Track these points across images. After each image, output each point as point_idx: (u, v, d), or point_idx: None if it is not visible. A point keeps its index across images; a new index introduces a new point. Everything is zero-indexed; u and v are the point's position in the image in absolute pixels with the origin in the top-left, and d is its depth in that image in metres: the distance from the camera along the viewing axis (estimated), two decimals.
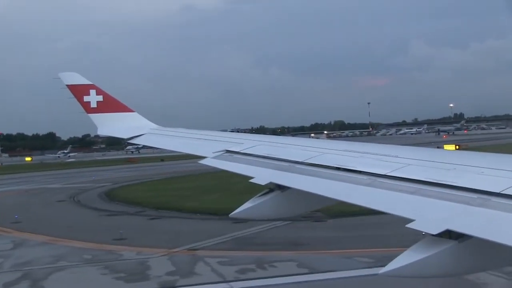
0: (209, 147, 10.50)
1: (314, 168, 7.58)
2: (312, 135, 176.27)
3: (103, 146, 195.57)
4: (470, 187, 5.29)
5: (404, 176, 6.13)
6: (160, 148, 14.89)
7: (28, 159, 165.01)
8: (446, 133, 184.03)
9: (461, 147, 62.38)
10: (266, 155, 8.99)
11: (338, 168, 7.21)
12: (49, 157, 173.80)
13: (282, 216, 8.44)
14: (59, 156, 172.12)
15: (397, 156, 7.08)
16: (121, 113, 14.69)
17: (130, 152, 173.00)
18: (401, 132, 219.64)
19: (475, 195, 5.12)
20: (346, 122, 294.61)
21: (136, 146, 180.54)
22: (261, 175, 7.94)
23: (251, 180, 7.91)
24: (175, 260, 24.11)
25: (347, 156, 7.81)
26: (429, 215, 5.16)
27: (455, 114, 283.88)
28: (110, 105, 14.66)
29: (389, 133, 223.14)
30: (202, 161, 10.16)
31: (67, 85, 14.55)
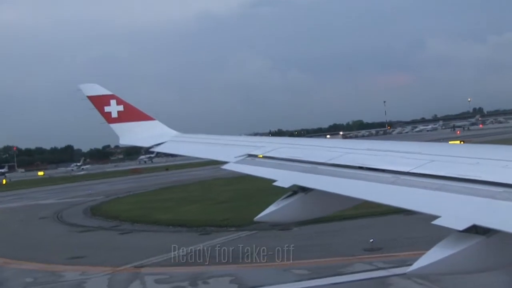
0: (230, 152, 10.53)
1: (337, 168, 7.57)
2: (328, 136, 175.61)
3: (121, 156, 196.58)
4: (496, 180, 5.22)
5: (428, 173, 6.09)
6: (182, 155, 14.96)
7: (40, 173, 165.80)
8: (461, 128, 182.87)
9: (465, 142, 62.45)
10: (288, 157, 9.00)
11: (361, 168, 7.20)
12: (62, 170, 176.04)
13: (307, 218, 8.42)
14: (72, 169, 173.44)
15: (420, 153, 7.04)
16: (142, 121, 14.79)
17: (144, 162, 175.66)
18: (417, 129, 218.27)
19: (501, 189, 5.06)
20: (364, 121, 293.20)
21: (149, 156, 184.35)
22: (284, 178, 7.95)
23: (275, 183, 7.92)
24: (113, 279, 23.76)
25: (370, 155, 7.79)
26: (455, 211, 5.11)
27: (474, 109, 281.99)
28: (130, 114, 14.77)
29: (405, 131, 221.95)
30: (225, 166, 10.19)
31: (87, 96, 14.69)
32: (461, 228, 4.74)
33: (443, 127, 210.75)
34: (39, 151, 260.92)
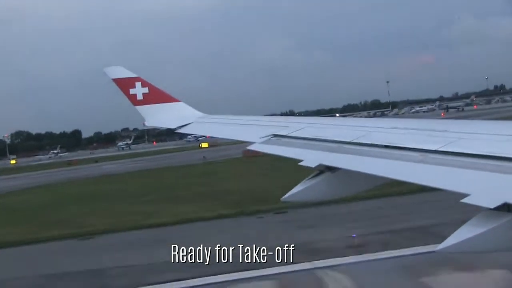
0: (256, 132, 10.51)
1: (363, 147, 7.50)
2: (337, 115, 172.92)
3: (129, 141, 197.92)
4: None
5: (456, 151, 6.00)
6: (208, 136, 15.01)
7: (12, 162, 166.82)
8: (456, 109, 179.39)
9: None
10: (313, 137, 8.95)
11: (387, 146, 7.12)
12: (42, 157, 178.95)
13: (333, 197, 8.40)
14: (50, 157, 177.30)
15: (446, 131, 6.94)
16: (167, 103, 14.84)
17: (121, 149, 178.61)
18: (413, 110, 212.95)
19: None
20: (382, 101, 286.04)
21: (126, 143, 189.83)
22: (310, 158, 7.91)
23: (301, 163, 7.88)
24: None
25: (396, 134, 7.70)
26: (485, 189, 5.03)
27: (495, 86, 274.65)
28: (156, 96, 14.82)
29: (402, 112, 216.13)
30: (251, 147, 10.19)
31: (113, 79, 14.78)
32: (492, 206, 4.66)
33: (440, 108, 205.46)
34: (49, 135, 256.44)
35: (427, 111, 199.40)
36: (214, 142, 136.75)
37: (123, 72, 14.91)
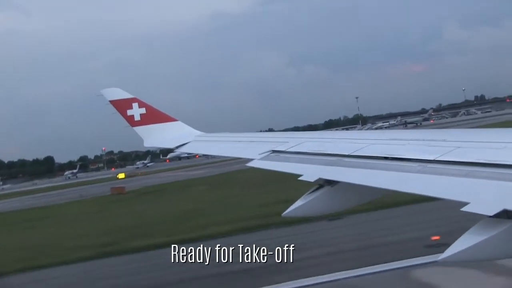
0: (254, 149, 10.53)
1: (362, 160, 7.53)
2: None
3: (74, 170, 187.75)
4: None
5: (455, 160, 6.03)
6: (207, 155, 15.06)
7: None
8: (414, 124, 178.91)
9: None
10: (312, 151, 8.97)
11: (386, 158, 7.15)
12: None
13: (334, 211, 8.40)
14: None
15: (444, 140, 6.98)
16: (165, 123, 14.89)
17: (68, 178, 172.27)
18: (376, 126, 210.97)
19: None
20: (364, 115, 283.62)
21: (72, 171, 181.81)
22: (309, 172, 7.93)
23: (300, 178, 7.90)
24: None
25: (394, 145, 7.73)
26: (484, 196, 5.06)
27: (476, 97, 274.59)
28: (153, 116, 14.88)
29: (365, 128, 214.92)
30: (250, 164, 10.20)
31: (110, 101, 14.84)
32: (491, 214, 4.69)
33: (399, 124, 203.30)
34: (21, 163, 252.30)
35: (388, 127, 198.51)
36: (133, 173, 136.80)
37: (120, 94, 14.97)
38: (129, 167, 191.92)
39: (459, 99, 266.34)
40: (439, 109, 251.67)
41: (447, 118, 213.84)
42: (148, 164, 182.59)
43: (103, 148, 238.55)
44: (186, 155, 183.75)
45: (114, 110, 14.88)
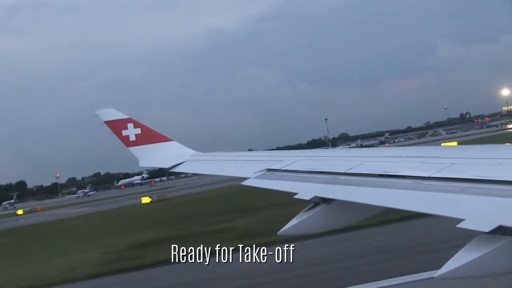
0: (250, 168, 10.53)
1: (357, 177, 7.55)
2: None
3: (11, 201, 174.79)
4: None
5: (449, 176, 6.06)
6: (202, 174, 15.04)
7: None
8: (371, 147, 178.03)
9: None
10: (307, 169, 8.99)
11: (381, 175, 7.17)
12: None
13: (330, 229, 8.38)
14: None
15: (439, 157, 7.01)
16: (160, 143, 14.89)
17: (5, 208, 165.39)
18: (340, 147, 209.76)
19: None
20: (350, 134, 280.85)
21: (9, 202, 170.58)
22: (305, 190, 7.92)
23: (296, 196, 7.90)
24: None
25: (389, 162, 7.77)
26: (479, 212, 5.07)
27: (461, 114, 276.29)
28: (148, 136, 14.88)
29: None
30: (245, 182, 10.19)
31: (105, 122, 14.84)
32: (487, 230, 4.70)
33: (357, 146, 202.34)
34: None
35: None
36: (34, 208, 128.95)
37: (115, 114, 14.98)
38: (72, 196, 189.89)
39: (444, 117, 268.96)
40: (409, 130, 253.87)
41: (413, 139, 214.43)
42: (89, 193, 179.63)
43: (57, 175, 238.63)
44: (139, 181, 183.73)
45: (109, 130, 14.88)
